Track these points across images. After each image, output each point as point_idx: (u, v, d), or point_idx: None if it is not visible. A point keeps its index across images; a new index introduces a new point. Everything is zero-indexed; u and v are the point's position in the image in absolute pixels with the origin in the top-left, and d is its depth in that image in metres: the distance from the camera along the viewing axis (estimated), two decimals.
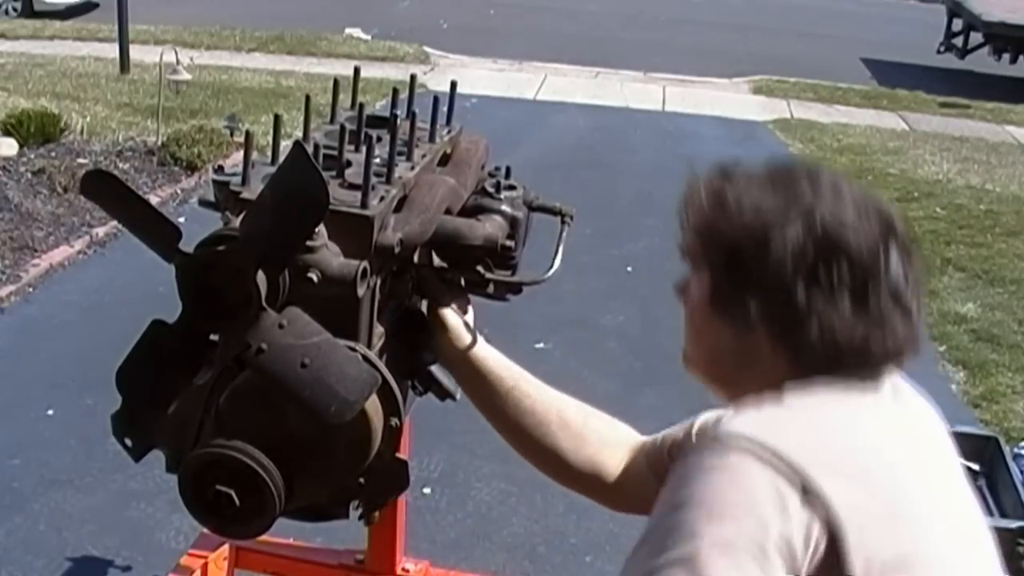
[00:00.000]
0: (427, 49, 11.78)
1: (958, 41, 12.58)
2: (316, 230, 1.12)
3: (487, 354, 1.40)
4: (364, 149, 1.25)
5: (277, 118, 1.32)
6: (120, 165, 6.44)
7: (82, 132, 7.01)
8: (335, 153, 1.29)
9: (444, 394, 1.41)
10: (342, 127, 1.31)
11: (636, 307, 5.11)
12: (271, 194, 1.08)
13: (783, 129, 9.43)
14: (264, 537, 1.20)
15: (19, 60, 9.85)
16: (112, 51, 9.60)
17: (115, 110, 7.96)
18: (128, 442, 1.20)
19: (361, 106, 1.40)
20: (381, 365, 1.18)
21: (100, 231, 5.49)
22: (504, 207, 1.41)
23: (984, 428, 4.02)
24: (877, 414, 1.05)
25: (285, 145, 1.18)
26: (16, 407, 3.87)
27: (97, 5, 13.70)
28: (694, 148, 7.76)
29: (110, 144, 6.85)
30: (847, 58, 12.77)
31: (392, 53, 11.33)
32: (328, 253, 1.14)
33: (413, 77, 1.54)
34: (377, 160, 1.25)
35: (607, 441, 1.42)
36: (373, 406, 1.14)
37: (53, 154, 6.36)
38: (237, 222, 1.12)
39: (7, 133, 6.45)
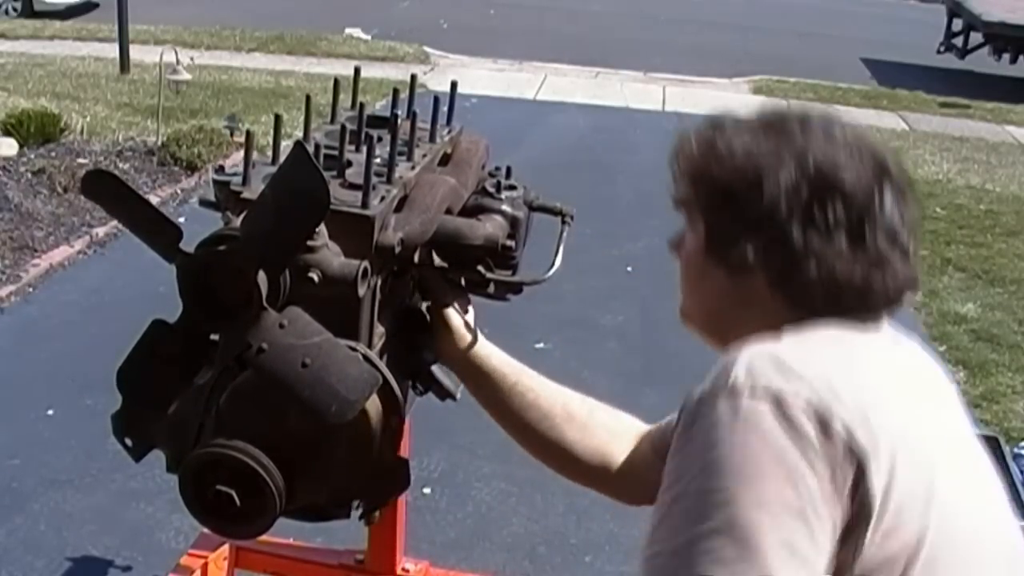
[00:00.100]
0: (427, 49, 11.78)
1: (958, 41, 12.58)
2: (317, 230, 1.13)
3: (489, 351, 1.40)
4: (365, 149, 1.25)
5: (278, 118, 1.32)
6: (120, 165, 6.44)
7: (82, 132, 7.01)
8: (336, 153, 1.29)
9: (444, 394, 1.41)
10: (343, 127, 1.32)
11: (636, 307, 5.11)
12: (272, 194, 1.08)
13: None
14: (264, 537, 1.20)
15: (19, 60, 9.84)
16: (112, 51, 9.60)
17: (115, 110, 7.96)
18: (128, 442, 1.20)
19: (362, 106, 1.40)
20: (382, 365, 1.18)
21: (100, 231, 5.49)
22: (504, 207, 1.41)
23: (984, 428, 4.02)
24: (879, 352, 1.04)
25: (285, 145, 1.19)
26: (16, 407, 3.87)
27: (97, 5, 13.69)
28: None
29: (110, 144, 6.85)
30: (847, 58, 12.77)
31: (392, 53, 11.33)
32: (329, 253, 1.15)
33: (413, 77, 1.54)
34: (378, 160, 1.25)
35: (613, 432, 1.41)
36: (373, 406, 1.14)
37: (53, 154, 6.36)
38: (238, 222, 1.12)
39: (7, 133, 6.45)
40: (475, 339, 1.40)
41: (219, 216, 1.26)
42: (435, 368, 1.40)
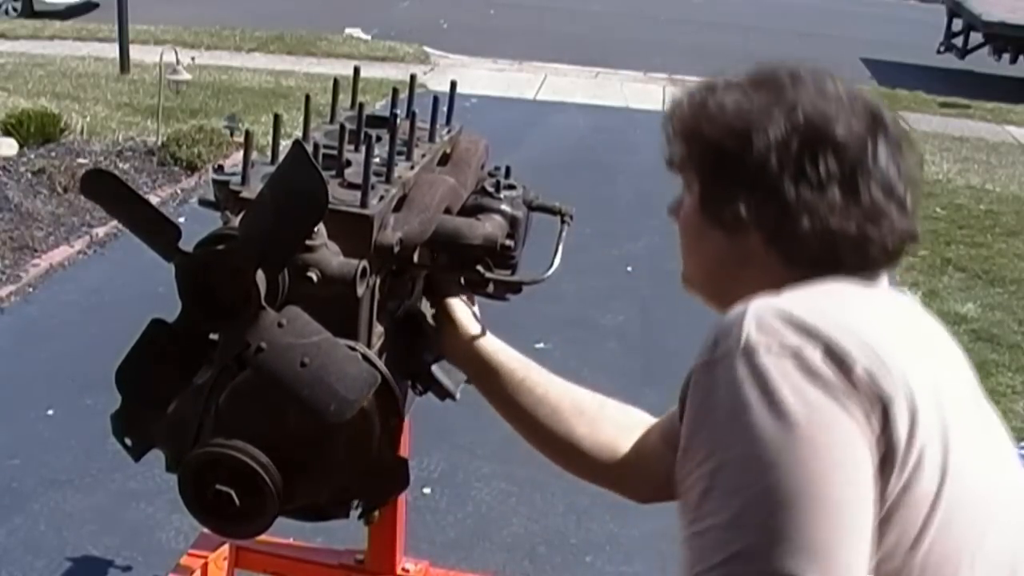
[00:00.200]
0: (427, 49, 11.78)
1: (958, 41, 12.57)
2: (316, 229, 1.13)
3: (496, 347, 1.40)
4: (364, 149, 1.25)
5: (277, 118, 1.32)
6: (120, 165, 6.44)
7: (82, 132, 7.01)
8: (335, 153, 1.29)
9: (444, 394, 1.41)
10: (342, 127, 1.32)
11: (636, 307, 5.11)
12: (271, 193, 1.08)
13: None
14: (264, 537, 1.20)
15: (19, 60, 9.84)
16: (112, 51, 9.60)
17: (115, 110, 7.96)
18: (128, 442, 1.20)
19: (361, 106, 1.40)
20: (381, 364, 1.18)
21: (100, 231, 5.49)
22: (504, 207, 1.41)
23: None
24: (882, 306, 1.02)
25: (285, 145, 1.18)
26: (16, 407, 3.87)
27: (97, 5, 13.69)
28: None
29: (110, 144, 6.85)
30: (847, 58, 12.75)
31: (392, 53, 11.33)
32: (328, 252, 1.15)
33: (413, 77, 1.54)
34: (377, 160, 1.25)
35: (623, 426, 1.39)
36: (373, 405, 1.14)
37: (53, 154, 6.36)
38: (237, 221, 1.12)
39: (7, 133, 6.45)
40: (482, 334, 1.39)
41: (218, 216, 1.26)
42: (435, 368, 1.39)
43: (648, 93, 10.37)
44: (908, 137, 1.08)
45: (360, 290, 1.15)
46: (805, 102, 1.02)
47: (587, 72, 11.38)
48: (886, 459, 0.86)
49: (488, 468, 3.59)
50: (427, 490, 3.48)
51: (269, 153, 1.32)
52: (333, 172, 1.25)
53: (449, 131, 1.52)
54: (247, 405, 1.11)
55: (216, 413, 1.12)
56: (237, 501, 1.08)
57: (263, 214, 1.07)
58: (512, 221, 1.41)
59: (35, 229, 5.42)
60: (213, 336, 1.13)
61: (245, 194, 1.22)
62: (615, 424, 1.39)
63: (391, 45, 11.80)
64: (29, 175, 5.95)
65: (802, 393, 0.85)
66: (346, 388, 1.06)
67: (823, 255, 1.01)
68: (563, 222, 1.46)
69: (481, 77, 10.42)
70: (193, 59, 8.21)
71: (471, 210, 1.40)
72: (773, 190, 1.01)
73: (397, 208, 1.29)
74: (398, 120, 1.39)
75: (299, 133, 1.37)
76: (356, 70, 1.53)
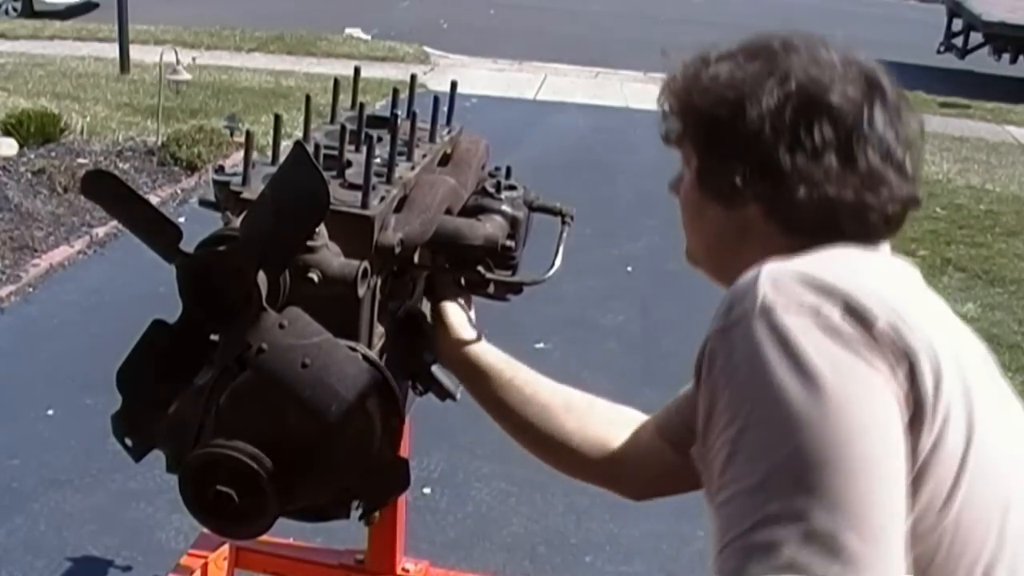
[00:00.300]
0: (427, 49, 11.78)
1: (958, 41, 12.57)
2: (317, 230, 1.13)
3: (485, 348, 1.39)
4: (364, 149, 1.25)
5: (277, 118, 1.32)
6: (120, 165, 6.44)
7: (82, 132, 7.01)
8: (335, 153, 1.29)
9: (444, 394, 1.41)
10: (342, 127, 1.32)
11: (636, 307, 5.11)
12: (272, 194, 1.08)
13: None
14: (264, 537, 1.20)
15: (19, 60, 9.85)
16: (112, 51, 9.60)
17: (115, 110, 7.96)
18: (128, 442, 1.20)
19: (361, 106, 1.40)
20: (381, 365, 1.18)
21: (100, 231, 5.50)
22: (504, 207, 1.41)
23: None
24: (888, 269, 1.00)
25: (285, 145, 1.19)
26: (16, 407, 3.87)
27: (97, 5, 13.70)
28: None
29: (110, 144, 6.85)
30: None
31: (392, 53, 11.33)
32: (328, 253, 1.15)
33: (413, 77, 1.54)
34: (377, 160, 1.25)
35: (614, 422, 1.38)
36: (373, 406, 1.14)
37: (53, 154, 6.36)
38: (237, 222, 1.12)
39: (7, 133, 6.45)
40: (475, 339, 1.39)
41: (219, 216, 1.26)
42: (435, 368, 1.39)
43: (648, 93, 10.34)
44: (907, 101, 1.06)
45: (361, 291, 1.15)
46: (798, 70, 1.01)
47: (587, 72, 11.39)
48: (916, 415, 0.84)
49: (488, 468, 3.59)
50: (427, 490, 3.48)
51: (270, 153, 1.32)
52: (334, 173, 1.25)
53: (449, 131, 1.52)
54: (248, 406, 1.11)
55: (217, 414, 1.12)
56: (237, 501, 1.08)
57: (264, 215, 1.07)
58: (513, 222, 1.41)
59: (35, 229, 5.42)
60: (214, 337, 1.13)
61: (246, 195, 1.22)
62: (605, 420, 1.38)
63: (391, 45, 11.80)
64: (29, 175, 5.95)
65: (825, 350, 0.82)
66: (347, 389, 1.06)
67: (822, 223, 1.00)
68: (563, 222, 1.46)
69: (481, 77, 10.42)
70: (194, 59, 8.22)
71: (472, 211, 1.40)
72: (768, 159, 1.00)
73: (398, 209, 1.29)
74: (399, 120, 1.39)
75: (300, 133, 1.37)
76: (356, 70, 1.53)
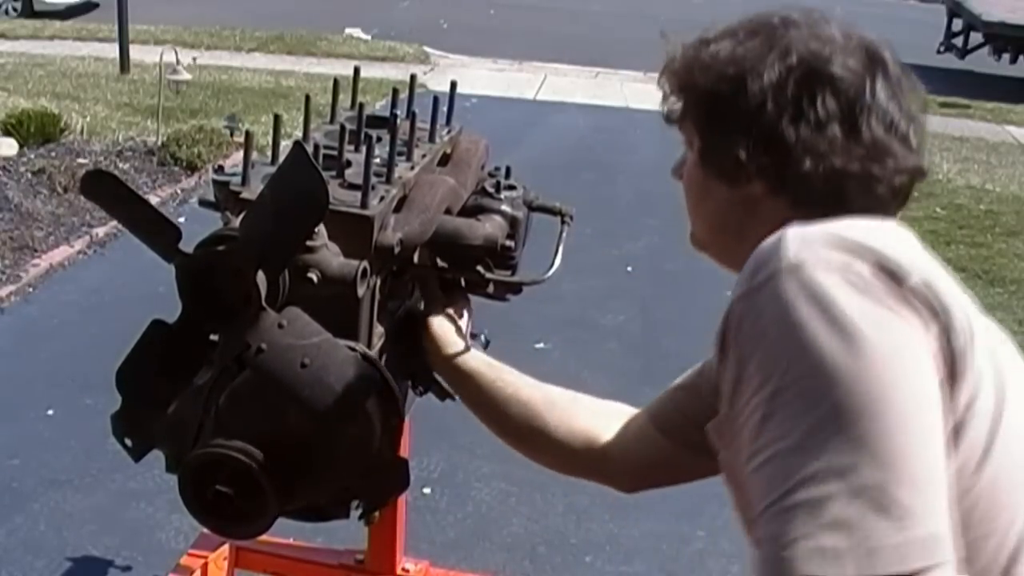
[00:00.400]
0: (427, 49, 11.78)
1: (958, 41, 12.57)
2: (316, 230, 1.13)
3: (471, 355, 1.38)
4: (364, 149, 1.25)
5: (277, 118, 1.32)
6: (120, 165, 6.44)
7: (82, 132, 7.01)
8: (335, 153, 1.29)
9: (444, 394, 1.41)
10: (342, 127, 1.32)
11: (636, 307, 5.11)
12: (271, 194, 1.08)
13: None
14: (264, 537, 1.20)
15: (19, 60, 9.85)
16: (112, 51, 9.60)
17: (115, 110, 7.96)
18: (128, 442, 1.20)
19: (361, 106, 1.40)
20: (381, 365, 1.18)
21: (100, 231, 5.49)
22: (504, 207, 1.41)
23: None
24: (906, 236, 0.97)
25: (285, 145, 1.19)
26: (16, 407, 3.87)
27: (97, 5, 13.70)
28: None
29: (110, 144, 6.85)
30: None
31: (392, 53, 11.33)
32: (328, 253, 1.15)
33: (413, 77, 1.54)
34: (377, 160, 1.25)
35: (599, 413, 1.38)
36: (373, 406, 1.14)
37: (53, 154, 6.36)
38: (237, 222, 1.13)
39: (7, 133, 6.45)
40: (459, 348, 1.37)
41: (218, 216, 1.26)
42: None
43: (648, 93, 10.29)
44: (909, 76, 1.05)
45: (360, 291, 1.15)
46: (799, 43, 1.01)
47: (587, 72, 11.38)
48: (950, 373, 0.82)
49: (488, 468, 3.59)
50: (427, 490, 3.48)
51: (269, 153, 1.32)
52: (333, 173, 1.25)
53: (449, 131, 1.52)
54: (247, 406, 1.11)
55: (216, 414, 1.12)
56: (237, 501, 1.08)
57: (263, 215, 1.07)
58: (512, 221, 1.41)
59: (35, 229, 5.42)
60: (213, 337, 1.13)
61: (245, 195, 1.22)
62: (590, 413, 1.38)
63: (391, 45, 11.80)
64: (29, 175, 5.95)
65: (858, 305, 0.80)
66: (346, 389, 1.06)
67: (829, 195, 0.99)
68: (563, 222, 1.46)
69: (481, 77, 10.42)
70: (194, 59, 8.22)
71: (471, 210, 1.40)
72: (772, 133, 1.00)
73: (397, 209, 1.29)
74: (398, 120, 1.39)
75: (299, 133, 1.37)
76: (356, 70, 1.53)
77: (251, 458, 1.07)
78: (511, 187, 1.45)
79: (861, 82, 1.00)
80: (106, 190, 1.13)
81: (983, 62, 12.38)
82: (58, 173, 5.93)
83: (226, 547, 2.25)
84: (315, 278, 1.12)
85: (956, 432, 0.83)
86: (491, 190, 1.43)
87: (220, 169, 1.31)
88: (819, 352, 0.78)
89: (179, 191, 6.29)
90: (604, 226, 5.80)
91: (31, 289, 4.95)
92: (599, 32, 13.78)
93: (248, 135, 1.31)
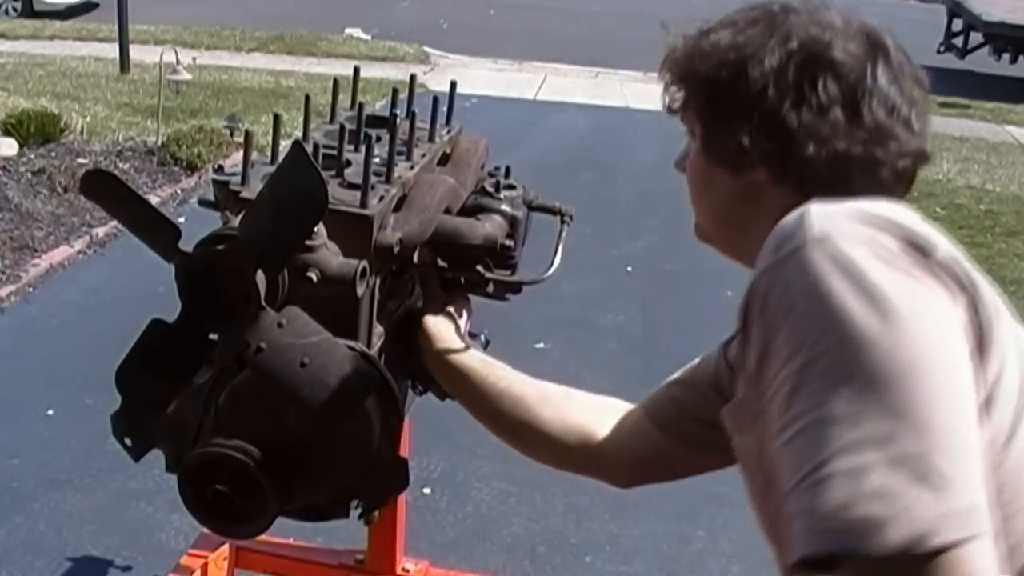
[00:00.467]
0: (427, 49, 11.78)
1: (958, 41, 12.58)
2: (315, 229, 1.13)
3: (465, 354, 1.38)
4: (364, 149, 1.25)
5: (277, 118, 1.32)
6: (120, 165, 6.45)
7: (82, 132, 7.01)
8: (335, 153, 1.29)
9: (444, 394, 1.41)
10: (342, 127, 1.32)
11: (636, 307, 5.11)
12: (270, 193, 1.08)
13: None
14: (264, 537, 1.20)
15: (19, 60, 9.85)
16: (112, 51, 9.61)
17: (115, 110, 7.96)
18: (128, 442, 1.20)
19: (361, 106, 1.40)
20: (380, 364, 1.18)
21: (100, 231, 5.50)
22: (504, 207, 1.41)
23: None
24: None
25: (285, 145, 1.18)
26: (16, 407, 3.87)
27: (97, 5, 13.70)
28: None
29: (110, 144, 6.85)
30: None
31: (392, 53, 11.34)
32: (327, 252, 1.15)
33: (413, 77, 1.54)
34: (377, 160, 1.25)
35: (592, 407, 1.37)
36: (373, 405, 1.14)
37: (53, 154, 6.37)
38: (237, 221, 1.12)
39: (7, 133, 6.45)
40: (456, 347, 1.37)
41: (218, 216, 1.26)
42: None
43: (648, 93, 10.35)
44: (910, 60, 1.06)
45: (360, 290, 1.15)
46: (799, 29, 1.01)
47: (587, 72, 11.39)
48: (980, 343, 0.81)
49: (488, 468, 3.59)
50: (427, 490, 3.48)
51: (269, 153, 1.32)
52: (333, 172, 1.25)
53: (449, 131, 1.52)
54: (247, 405, 1.11)
55: (216, 413, 1.12)
56: (236, 501, 1.08)
57: (263, 214, 1.07)
58: (512, 221, 1.41)
59: (35, 229, 5.42)
60: (213, 336, 1.13)
61: (245, 194, 1.22)
62: (584, 408, 1.37)
63: (391, 45, 11.80)
64: (29, 175, 5.95)
65: (887, 276, 0.79)
66: (346, 388, 1.06)
67: (833, 180, 0.99)
68: (563, 222, 1.46)
69: (481, 77, 10.43)
70: (194, 59, 8.22)
71: (471, 210, 1.40)
72: (774, 118, 1.00)
73: (397, 208, 1.29)
74: (398, 120, 1.39)
75: (299, 133, 1.37)
76: (356, 70, 1.53)
77: (250, 457, 1.07)
78: (511, 187, 1.45)
79: (862, 66, 1.00)
80: (106, 190, 1.13)
81: (983, 62, 12.38)
82: (58, 173, 5.93)
83: (226, 547, 2.25)
84: (314, 277, 1.12)
85: (987, 403, 0.82)
86: (491, 190, 1.43)
87: (220, 169, 1.31)
88: (851, 322, 0.77)
89: (179, 191, 6.30)
90: (604, 226, 5.80)
91: (31, 289, 4.95)
92: (599, 32, 13.78)
93: (248, 135, 1.31)
